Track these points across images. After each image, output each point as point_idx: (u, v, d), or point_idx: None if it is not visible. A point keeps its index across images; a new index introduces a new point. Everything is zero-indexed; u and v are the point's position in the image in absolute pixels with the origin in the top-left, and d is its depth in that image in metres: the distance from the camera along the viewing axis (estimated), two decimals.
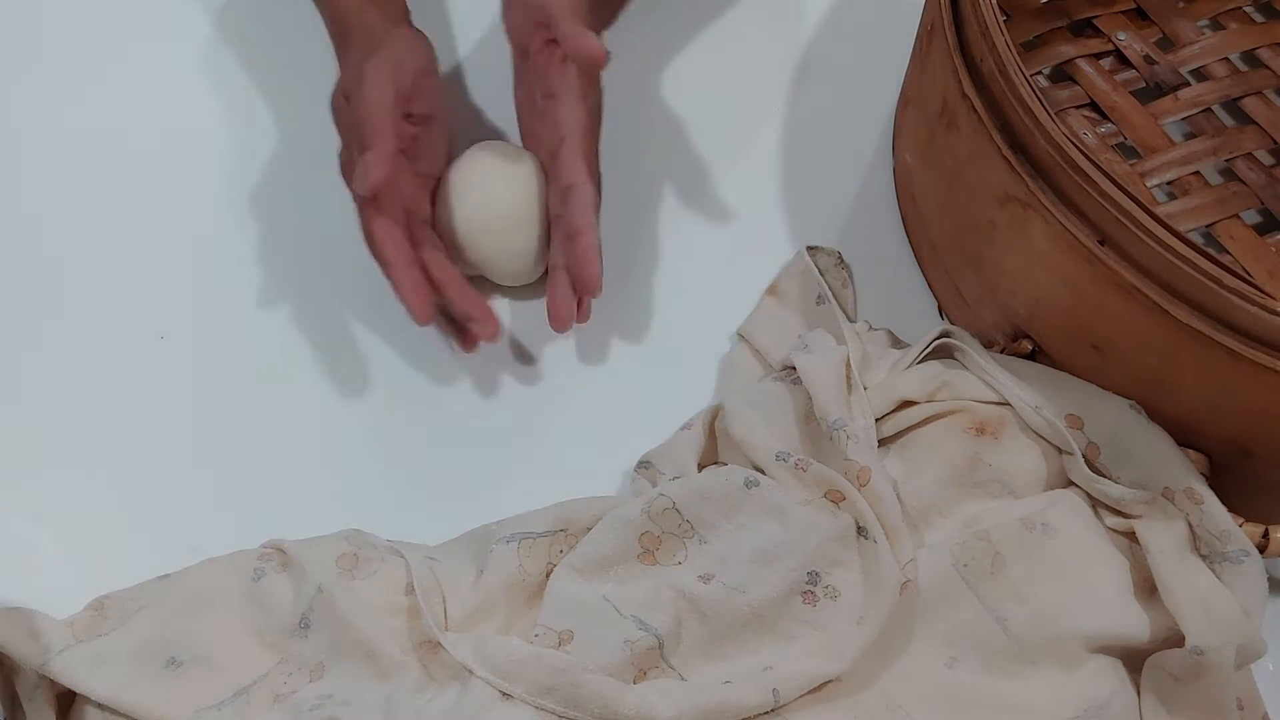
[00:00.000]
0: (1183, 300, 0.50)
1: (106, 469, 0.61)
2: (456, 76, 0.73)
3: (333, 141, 0.62)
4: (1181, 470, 0.54)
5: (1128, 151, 0.70)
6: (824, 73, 0.75)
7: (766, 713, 0.50)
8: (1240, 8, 0.75)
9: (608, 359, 0.65)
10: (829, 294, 0.63)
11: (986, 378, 0.57)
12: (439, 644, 0.51)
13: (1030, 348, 0.60)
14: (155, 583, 0.55)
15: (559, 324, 0.61)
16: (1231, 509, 0.53)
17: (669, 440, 0.59)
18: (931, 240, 0.65)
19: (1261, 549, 0.54)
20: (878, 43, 0.75)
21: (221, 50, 0.74)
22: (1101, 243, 0.52)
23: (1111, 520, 0.55)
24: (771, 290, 0.65)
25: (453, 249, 0.62)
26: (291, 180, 0.69)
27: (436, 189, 0.63)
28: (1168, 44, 0.73)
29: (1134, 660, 0.52)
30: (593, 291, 0.60)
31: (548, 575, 0.54)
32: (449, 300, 0.60)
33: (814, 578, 0.53)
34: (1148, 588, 0.53)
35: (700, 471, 0.57)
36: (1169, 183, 0.68)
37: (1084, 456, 0.55)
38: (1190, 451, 0.55)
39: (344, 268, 0.65)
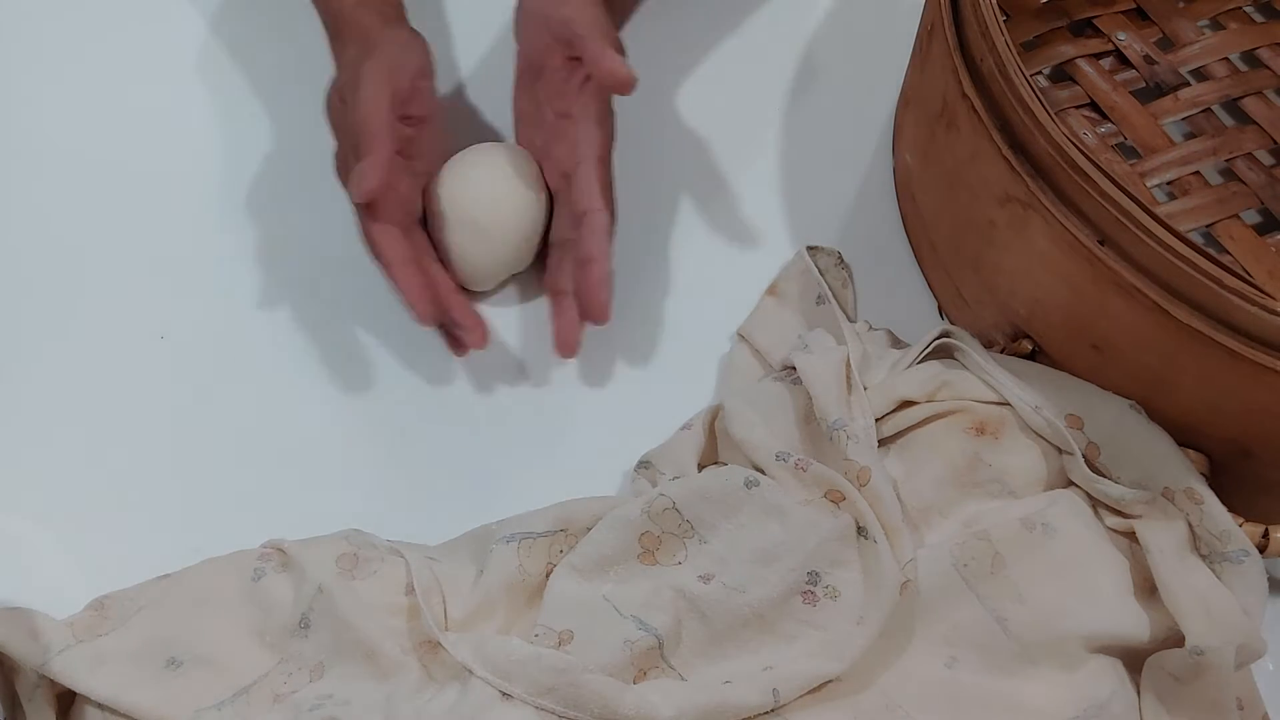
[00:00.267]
0: (1183, 300, 0.50)
1: (107, 469, 0.60)
2: (451, 75, 0.73)
3: (333, 140, 0.62)
4: (1181, 470, 0.54)
5: (1128, 151, 0.70)
6: (824, 73, 0.75)
7: (766, 713, 0.50)
8: (1240, 8, 0.75)
9: (608, 359, 0.65)
10: (829, 294, 0.63)
11: (986, 378, 0.57)
12: (439, 644, 0.51)
13: (1030, 348, 0.60)
14: (155, 583, 0.55)
15: (566, 351, 0.61)
16: (1231, 509, 0.53)
17: (669, 440, 0.59)
18: (931, 240, 0.65)
19: (1261, 549, 0.54)
20: (878, 43, 0.75)
21: (220, 49, 0.74)
22: (1101, 243, 0.52)
23: (1111, 520, 0.55)
24: (771, 290, 0.65)
25: (440, 248, 0.62)
26: (293, 180, 0.69)
27: (428, 187, 0.63)
28: (1168, 44, 0.73)
29: (1134, 660, 0.52)
30: (601, 321, 0.60)
31: (548, 575, 0.54)
32: (442, 305, 0.60)
33: (814, 578, 0.53)
34: (1148, 588, 0.53)
35: (700, 471, 0.57)
36: (1169, 183, 0.68)
37: (1084, 456, 0.55)
38: (1190, 451, 0.55)
39: (345, 267, 0.65)
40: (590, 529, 0.55)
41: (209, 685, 0.52)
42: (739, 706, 0.49)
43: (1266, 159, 0.70)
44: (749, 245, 0.68)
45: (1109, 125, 0.70)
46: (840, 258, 0.66)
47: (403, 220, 0.60)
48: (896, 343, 0.62)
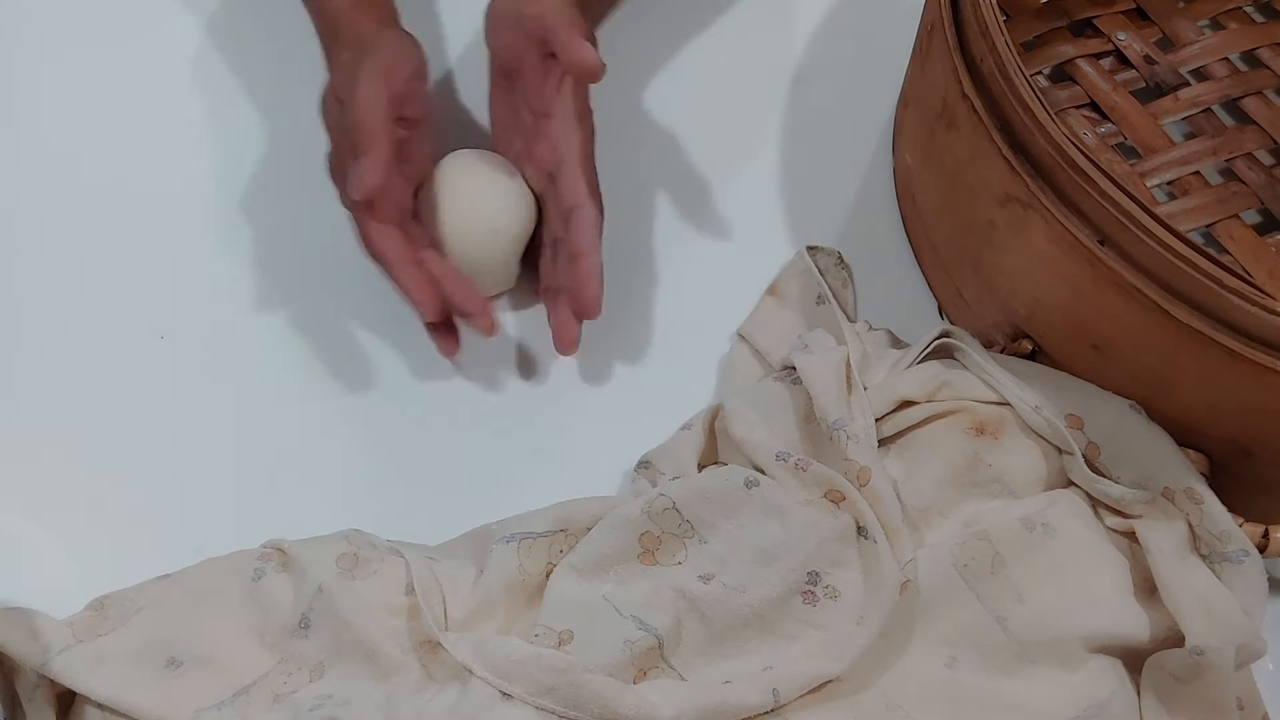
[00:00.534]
0: (1183, 300, 0.50)
1: (107, 469, 0.60)
2: (441, 79, 0.73)
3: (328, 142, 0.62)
4: (1181, 470, 0.54)
5: (1128, 151, 0.70)
6: (824, 73, 0.75)
7: (766, 713, 0.50)
8: (1240, 8, 0.75)
9: (608, 359, 0.64)
10: (829, 294, 0.63)
11: (986, 378, 0.57)
12: (439, 644, 0.51)
13: (1030, 348, 0.60)
14: (155, 583, 0.55)
15: (566, 348, 0.61)
16: (1231, 509, 0.53)
17: (669, 440, 0.59)
18: (931, 240, 0.65)
19: (1261, 549, 0.54)
20: (878, 43, 0.75)
21: (219, 51, 0.74)
22: (1101, 243, 0.52)
23: (1111, 520, 0.55)
24: (771, 290, 0.65)
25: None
26: (292, 180, 0.69)
27: (419, 192, 0.62)
28: (1168, 44, 0.73)
29: (1134, 660, 0.52)
30: (592, 315, 0.60)
31: (548, 575, 0.54)
32: (447, 295, 0.60)
33: (814, 578, 0.53)
34: (1148, 588, 0.53)
35: (700, 471, 0.57)
36: (1169, 183, 0.68)
37: (1084, 456, 0.55)
38: (1190, 451, 0.55)
39: (345, 267, 0.65)
40: (590, 529, 0.55)
41: (209, 685, 0.52)
42: (739, 706, 0.49)
43: (1266, 159, 0.70)
44: (749, 245, 0.68)
45: (1109, 125, 0.70)
46: (840, 258, 0.66)
47: (399, 220, 0.60)
48: (896, 343, 0.62)
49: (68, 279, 0.66)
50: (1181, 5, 0.75)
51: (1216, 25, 0.75)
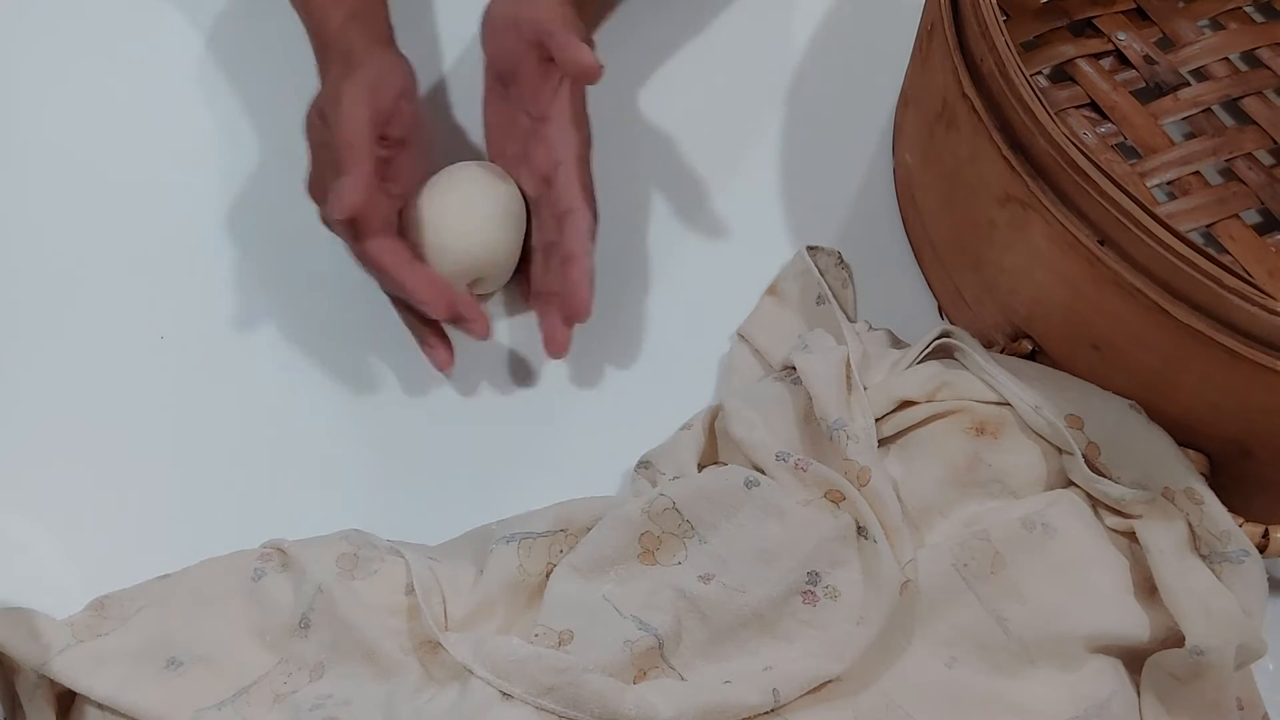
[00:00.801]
0: (1183, 300, 0.50)
1: (107, 469, 0.60)
2: (438, 97, 0.72)
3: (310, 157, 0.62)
4: (1181, 470, 0.54)
5: (1128, 151, 0.70)
6: (824, 73, 0.75)
7: (766, 713, 0.50)
8: (1240, 8, 0.75)
9: (608, 359, 0.65)
10: (829, 294, 0.63)
11: (986, 378, 0.57)
12: (439, 644, 0.51)
13: (1030, 348, 0.60)
14: (155, 583, 0.55)
15: (557, 351, 0.61)
16: (1231, 509, 0.53)
17: (669, 440, 0.59)
18: (931, 240, 0.65)
19: (1261, 549, 0.54)
20: (877, 43, 0.75)
21: (219, 53, 0.74)
22: (1101, 243, 0.52)
23: (1111, 520, 0.55)
24: (771, 290, 0.65)
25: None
26: (293, 180, 0.69)
27: (404, 210, 0.62)
28: (1168, 44, 0.73)
29: (1134, 660, 0.52)
30: (581, 318, 0.60)
31: (548, 575, 0.54)
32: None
33: (814, 578, 0.53)
34: (1148, 588, 0.53)
35: (700, 471, 0.57)
36: (1169, 183, 0.68)
37: (1084, 456, 0.55)
38: (1190, 451, 0.55)
39: (346, 267, 0.65)
40: (590, 529, 0.55)
41: (209, 685, 0.52)
42: (739, 706, 0.49)
43: (1266, 159, 0.70)
44: (749, 245, 0.68)
45: (1109, 125, 0.70)
46: (840, 258, 0.66)
47: (387, 230, 0.60)
48: (896, 343, 0.62)
49: (68, 278, 0.66)
50: (1181, 5, 0.75)
51: (1216, 25, 0.75)
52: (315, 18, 0.63)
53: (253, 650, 0.53)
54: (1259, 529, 0.54)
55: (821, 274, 0.64)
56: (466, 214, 0.61)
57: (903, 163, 0.69)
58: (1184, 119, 0.71)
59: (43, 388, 0.63)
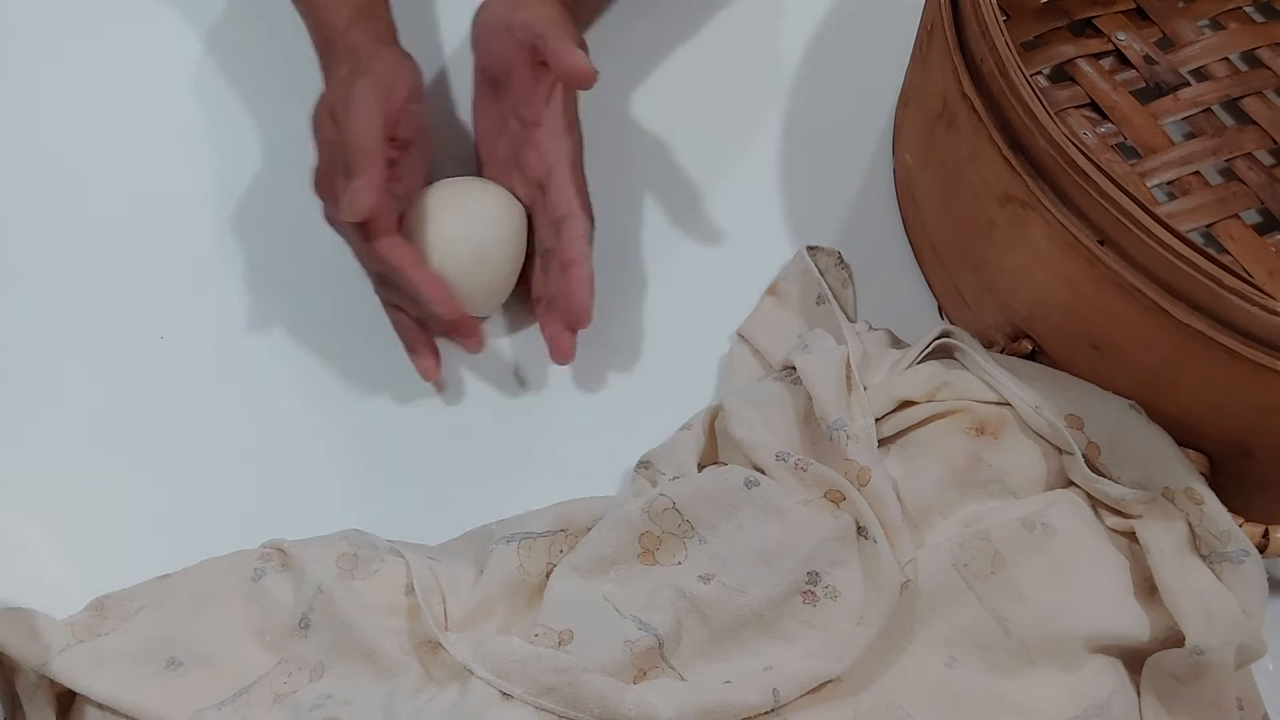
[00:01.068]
0: (1183, 300, 0.50)
1: (107, 469, 0.61)
2: (436, 97, 0.72)
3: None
4: (1181, 470, 0.54)
5: (1128, 151, 0.70)
6: (824, 73, 0.75)
7: (766, 713, 0.50)
8: (1240, 8, 0.75)
9: (608, 359, 0.65)
10: (829, 294, 0.63)
11: (986, 378, 0.57)
12: (439, 644, 0.51)
13: (1030, 348, 0.60)
14: (155, 583, 0.55)
15: (562, 357, 0.61)
16: (1231, 509, 0.53)
17: (669, 440, 0.59)
18: (931, 240, 0.65)
19: (1261, 549, 0.54)
20: (877, 43, 0.75)
21: (220, 53, 0.74)
22: (1101, 243, 0.52)
23: (1111, 520, 0.55)
24: (771, 290, 0.65)
25: None
26: (293, 181, 0.69)
27: (403, 216, 0.61)
28: (1168, 44, 0.73)
29: (1134, 660, 0.52)
30: (583, 324, 0.60)
31: (548, 575, 0.54)
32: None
33: (814, 578, 0.53)
34: (1148, 588, 0.53)
35: (700, 471, 0.57)
36: (1169, 183, 0.68)
37: (1084, 456, 0.55)
38: (1190, 451, 0.55)
39: (347, 267, 0.65)
40: (590, 529, 0.55)
41: (209, 685, 0.52)
42: (739, 706, 0.49)
43: (1266, 159, 0.70)
44: (749, 245, 0.68)
45: (1109, 125, 0.70)
46: (840, 258, 0.66)
47: (395, 232, 0.60)
48: (896, 343, 0.62)
49: (68, 279, 0.66)
50: (1181, 5, 0.75)
51: (1216, 25, 0.75)
52: (319, 16, 0.63)
53: (253, 650, 0.53)
54: (1259, 529, 0.54)
55: (821, 274, 0.64)
56: (469, 246, 0.61)
57: (903, 163, 0.69)
58: (1184, 119, 0.71)
59: (43, 388, 0.63)
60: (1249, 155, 0.69)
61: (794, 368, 0.58)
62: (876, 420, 0.57)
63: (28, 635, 0.52)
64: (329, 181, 0.59)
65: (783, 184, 0.71)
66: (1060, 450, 0.56)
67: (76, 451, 0.61)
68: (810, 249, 0.65)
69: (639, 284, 0.67)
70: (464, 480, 0.61)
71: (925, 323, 0.63)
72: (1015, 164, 0.54)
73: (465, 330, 0.60)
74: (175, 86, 0.73)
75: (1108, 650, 0.52)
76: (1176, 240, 0.49)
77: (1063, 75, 0.72)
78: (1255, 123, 0.70)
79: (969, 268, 0.62)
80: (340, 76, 0.60)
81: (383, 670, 0.52)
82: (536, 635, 0.51)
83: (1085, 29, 0.74)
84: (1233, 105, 0.71)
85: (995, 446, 0.56)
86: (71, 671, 0.51)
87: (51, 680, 0.51)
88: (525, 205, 0.63)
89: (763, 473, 0.55)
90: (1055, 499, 0.55)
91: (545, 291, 0.62)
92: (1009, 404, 0.56)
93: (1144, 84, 0.72)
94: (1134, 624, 0.52)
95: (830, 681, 0.51)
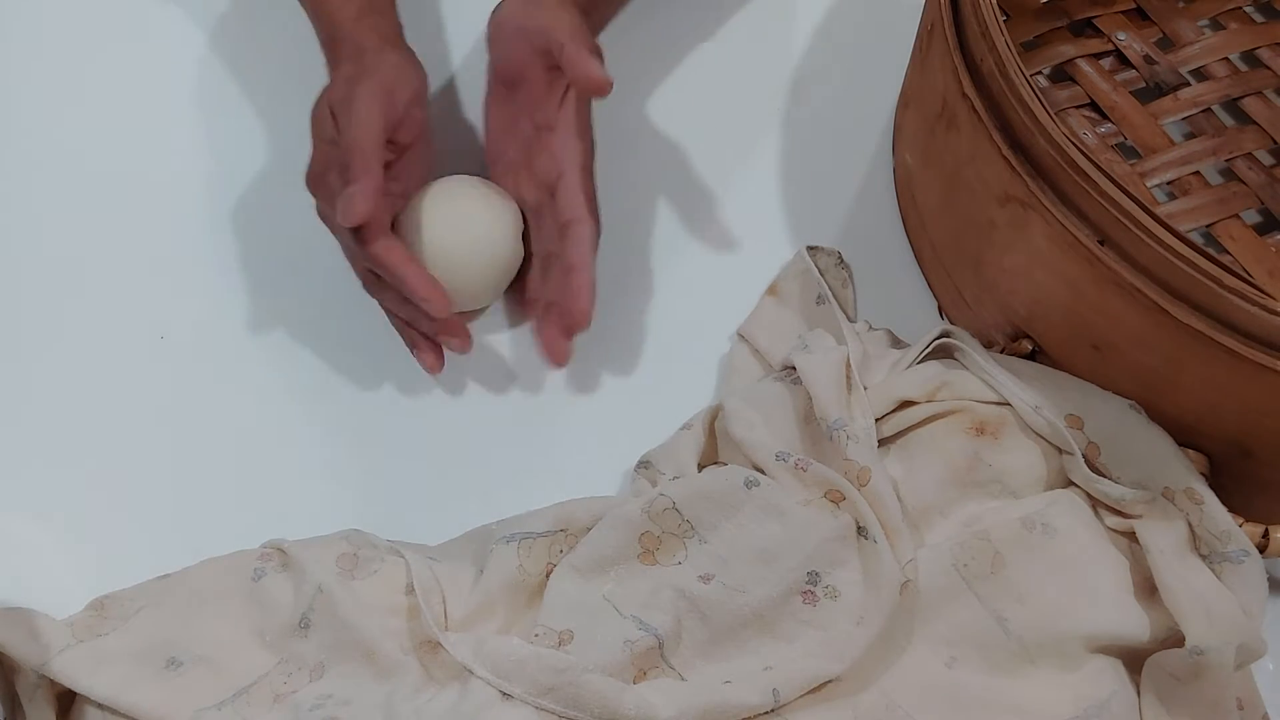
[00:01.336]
0: (1183, 300, 0.50)
1: (107, 469, 0.61)
2: (437, 98, 0.72)
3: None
4: (1181, 470, 0.54)
5: (1128, 151, 0.70)
6: (824, 73, 0.75)
7: (766, 713, 0.50)
8: (1240, 8, 0.75)
9: (608, 359, 0.65)
10: (829, 294, 0.63)
11: (986, 378, 0.57)
12: (439, 644, 0.51)
13: (1030, 348, 0.60)
14: (155, 583, 0.55)
15: (559, 360, 0.61)
16: (1231, 509, 0.53)
17: (669, 440, 0.59)
18: (931, 240, 0.65)
19: (1261, 549, 0.54)
20: (878, 43, 0.75)
21: (219, 53, 0.74)
22: (1101, 243, 0.52)
23: (1111, 520, 0.55)
24: (771, 290, 0.65)
25: None
26: (295, 179, 0.68)
27: (398, 217, 0.61)
28: (1168, 44, 0.73)
29: (1134, 660, 0.52)
30: (582, 327, 0.59)
31: (548, 575, 0.54)
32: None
33: (814, 578, 0.53)
34: (1148, 588, 0.53)
35: (700, 471, 0.57)
36: (1169, 183, 0.68)
37: (1084, 456, 0.55)
38: (1190, 451, 0.55)
39: (346, 268, 0.65)
40: (590, 529, 0.55)
41: (209, 685, 0.52)
42: (739, 706, 0.49)
43: (1266, 159, 0.70)
44: (749, 245, 0.68)
45: (1109, 125, 0.70)
46: (840, 258, 0.66)
47: (389, 231, 0.60)
48: (896, 343, 0.62)
49: (68, 279, 0.66)
50: (1181, 5, 0.75)
51: (1216, 25, 0.75)
52: (325, 12, 0.63)
53: (253, 650, 0.53)
54: (1259, 529, 0.54)
55: (821, 274, 0.64)
56: (460, 244, 0.61)
57: (903, 163, 0.69)
58: (1184, 119, 0.71)
59: (43, 387, 0.63)
60: (1249, 155, 0.69)
61: (794, 368, 0.58)
62: (876, 420, 0.57)
63: (28, 635, 0.52)
64: (324, 178, 0.59)
65: (783, 184, 0.71)
66: (1060, 450, 0.56)
67: (77, 451, 0.61)
68: (810, 249, 0.65)
69: (639, 284, 0.67)
70: (464, 480, 0.61)
71: (925, 323, 0.63)
72: (1015, 164, 0.54)
73: (452, 330, 0.60)
74: (176, 86, 0.73)
75: (1108, 650, 0.52)
76: (1176, 240, 0.49)
77: (1063, 75, 0.72)
78: (1255, 123, 0.70)
79: (969, 268, 0.62)
80: (344, 74, 0.60)
81: (383, 670, 0.52)
82: (536, 635, 0.51)
83: (1085, 29, 0.74)
84: (1233, 105, 0.71)
85: (995, 446, 0.56)
86: (71, 671, 0.51)
87: (51, 680, 0.51)
88: (531, 208, 0.63)
89: (763, 473, 0.55)
90: (1055, 499, 0.55)
91: (544, 294, 0.62)
92: (1009, 404, 0.56)
93: (1144, 84, 0.72)
94: (1134, 624, 0.52)
95: (830, 681, 0.51)
